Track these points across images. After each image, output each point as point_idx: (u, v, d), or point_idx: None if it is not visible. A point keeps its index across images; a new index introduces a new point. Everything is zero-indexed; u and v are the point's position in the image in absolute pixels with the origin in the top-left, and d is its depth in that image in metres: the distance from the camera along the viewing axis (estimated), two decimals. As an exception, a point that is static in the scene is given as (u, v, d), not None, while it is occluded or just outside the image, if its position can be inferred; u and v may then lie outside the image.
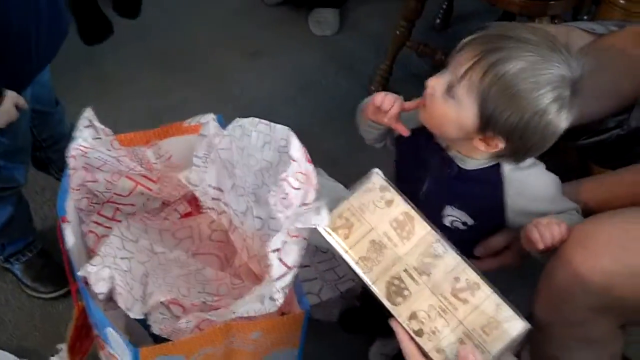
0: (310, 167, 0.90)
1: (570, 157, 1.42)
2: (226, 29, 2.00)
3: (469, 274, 0.78)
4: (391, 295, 0.78)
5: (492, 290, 0.78)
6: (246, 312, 0.84)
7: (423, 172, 0.97)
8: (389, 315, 0.81)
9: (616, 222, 0.86)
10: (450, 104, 0.85)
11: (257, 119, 0.96)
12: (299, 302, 0.90)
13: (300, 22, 2.03)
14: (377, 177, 0.84)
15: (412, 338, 0.77)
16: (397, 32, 1.75)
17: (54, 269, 1.31)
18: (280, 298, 0.83)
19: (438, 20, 2.01)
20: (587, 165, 1.32)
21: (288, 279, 0.83)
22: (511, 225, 0.95)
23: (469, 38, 0.86)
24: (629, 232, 0.84)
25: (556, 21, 1.53)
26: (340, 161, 1.59)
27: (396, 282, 0.79)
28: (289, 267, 0.83)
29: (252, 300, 0.84)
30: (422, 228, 0.81)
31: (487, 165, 0.91)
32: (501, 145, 0.85)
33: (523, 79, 0.81)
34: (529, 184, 0.92)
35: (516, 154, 0.88)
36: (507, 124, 0.82)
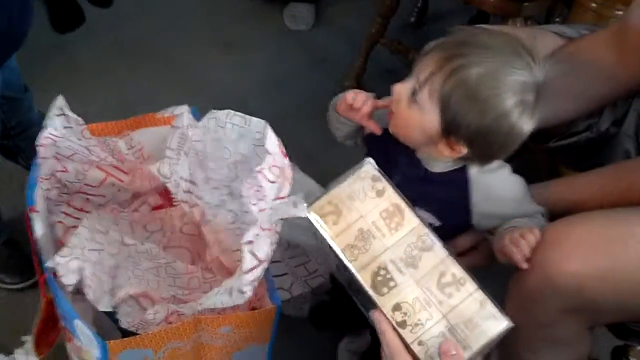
0: (285, 162, 0.89)
1: (539, 159, 1.44)
2: (200, 21, 1.99)
3: (455, 269, 0.79)
4: (376, 285, 0.79)
5: (477, 287, 0.79)
6: (213, 305, 0.83)
7: (391, 171, 0.98)
8: (369, 306, 0.81)
9: (587, 224, 0.88)
10: (413, 109, 0.86)
11: (232, 111, 0.95)
12: (270, 297, 0.90)
13: (275, 16, 2.03)
14: (369, 167, 0.84)
15: (394, 329, 0.77)
16: (372, 29, 1.76)
17: (21, 260, 1.29)
18: (249, 291, 0.82)
19: (413, 18, 2.03)
20: (556, 167, 1.34)
21: (258, 272, 0.83)
22: (477, 227, 0.97)
23: (432, 44, 0.87)
24: (599, 235, 0.85)
25: (529, 22, 1.55)
26: (314, 156, 1.60)
27: (382, 272, 0.79)
28: (260, 260, 0.83)
29: (220, 292, 0.84)
30: (411, 220, 0.82)
31: (453, 168, 0.92)
32: (464, 150, 0.86)
33: (484, 85, 0.82)
34: (495, 187, 0.93)
35: (481, 157, 0.89)
36: (469, 129, 0.83)
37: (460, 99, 0.82)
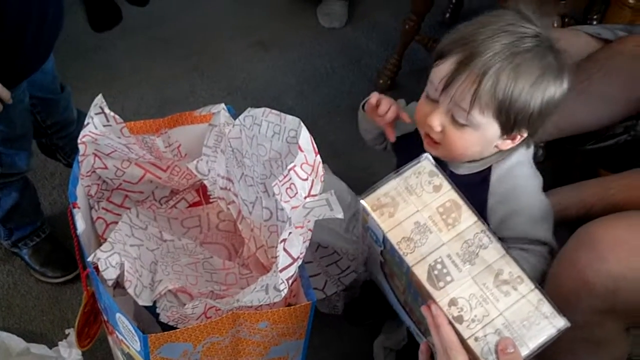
0: (317, 159, 0.90)
1: (576, 162, 1.43)
2: (235, 19, 2.00)
3: (513, 268, 0.79)
4: (432, 278, 0.78)
5: (533, 286, 0.78)
6: (250, 302, 0.85)
7: None
8: (413, 305, 0.81)
9: (622, 224, 0.87)
10: (466, 131, 0.86)
11: (267, 109, 0.96)
12: (305, 293, 0.91)
13: (308, 14, 2.03)
14: (427, 162, 0.84)
15: (450, 324, 0.77)
16: (406, 26, 1.75)
17: (62, 254, 1.32)
18: (284, 289, 0.83)
19: (447, 15, 2.01)
20: (593, 169, 1.32)
21: (292, 269, 0.84)
22: (495, 230, 0.96)
23: (446, 70, 0.85)
24: (635, 235, 0.85)
25: (566, 20, 1.53)
26: (345, 154, 1.60)
27: (439, 266, 0.79)
28: (293, 258, 0.84)
29: (257, 289, 0.85)
30: (468, 217, 0.81)
31: (477, 170, 0.92)
32: (525, 133, 0.88)
33: (523, 72, 0.82)
34: (514, 197, 0.92)
35: (536, 131, 0.90)
36: (533, 115, 0.85)
37: (516, 97, 0.83)
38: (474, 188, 0.92)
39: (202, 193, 1.13)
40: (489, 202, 0.92)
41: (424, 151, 0.95)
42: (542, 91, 0.84)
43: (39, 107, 1.23)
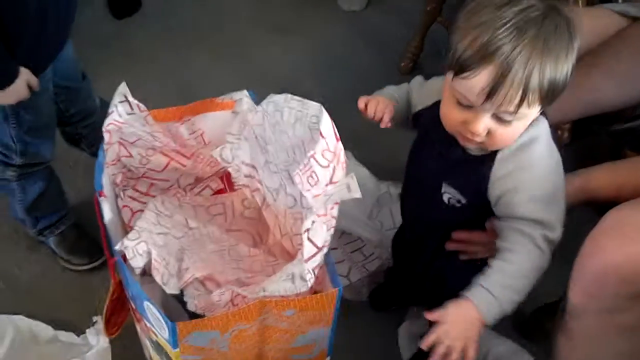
0: (339, 145, 0.89)
1: (603, 142, 1.40)
2: (253, 4, 1.99)
3: None
4: None
5: None
6: (277, 291, 0.84)
7: (427, 149, 0.98)
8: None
9: None
10: (514, 125, 0.84)
11: (289, 95, 0.95)
12: (331, 280, 0.90)
13: (329, -2, 2.02)
14: None
15: None
16: (428, 8, 1.73)
17: (88, 242, 1.33)
18: (310, 278, 0.83)
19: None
20: (620, 150, 1.30)
21: (318, 259, 0.84)
22: (494, 207, 0.93)
23: (483, 82, 0.80)
24: None
25: (591, -2, 1.50)
26: (366, 139, 1.58)
27: None
28: (318, 247, 0.84)
29: (282, 278, 0.85)
30: None
31: (490, 151, 0.90)
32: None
33: (549, 50, 0.79)
34: (521, 172, 0.88)
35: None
36: (565, 85, 0.82)
37: (558, 78, 0.80)
38: (483, 164, 0.90)
39: (226, 180, 1.13)
40: (492, 177, 0.90)
41: (437, 131, 0.93)
42: (571, 59, 0.82)
43: (62, 95, 1.23)
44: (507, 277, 0.85)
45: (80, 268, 1.33)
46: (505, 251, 0.87)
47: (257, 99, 1.02)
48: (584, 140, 1.55)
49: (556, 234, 0.87)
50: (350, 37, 1.92)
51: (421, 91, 1.03)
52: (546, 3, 0.80)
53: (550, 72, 0.79)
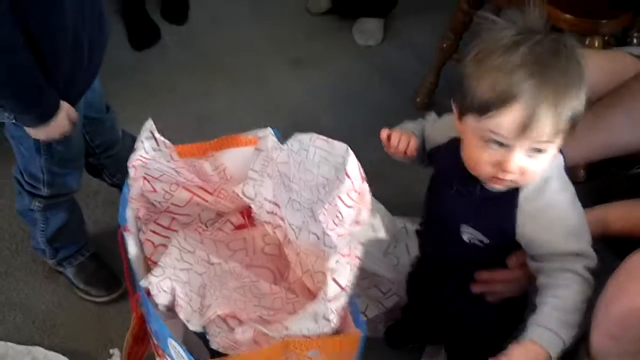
0: (365, 186, 0.90)
1: (620, 185, 1.41)
2: (271, 36, 2.02)
3: None
4: None
5: None
6: (300, 331, 0.85)
7: (444, 187, 0.98)
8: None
9: None
10: (542, 156, 0.85)
11: (315, 135, 0.97)
12: (354, 321, 0.90)
13: (344, 32, 2.04)
14: None
15: None
16: (444, 45, 1.75)
17: (106, 273, 1.34)
18: (334, 319, 0.84)
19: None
20: (638, 193, 1.30)
21: (342, 299, 0.84)
22: (524, 248, 0.94)
23: (515, 120, 0.82)
24: None
25: (607, 39, 1.51)
26: (380, 174, 1.58)
27: None
28: (342, 288, 0.85)
29: (306, 318, 0.85)
30: None
31: (509, 187, 0.91)
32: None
33: (572, 81, 0.82)
34: (544, 211, 0.89)
35: None
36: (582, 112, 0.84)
37: (580, 104, 0.82)
38: (505, 204, 0.91)
39: (247, 215, 1.14)
40: (519, 219, 0.91)
41: (455, 169, 0.94)
42: (585, 85, 0.83)
43: (88, 126, 1.25)
44: (563, 313, 0.86)
45: (97, 299, 1.33)
46: (553, 288, 0.87)
47: (280, 135, 1.03)
48: (599, 179, 1.56)
49: (594, 261, 0.88)
50: (366, 71, 1.94)
51: (434, 128, 1.04)
52: (549, 37, 0.82)
53: (574, 100, 0.81)
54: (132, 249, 0.93)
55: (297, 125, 1.75)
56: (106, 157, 1.36)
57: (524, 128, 0.80)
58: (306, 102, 1.83)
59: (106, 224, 1.46)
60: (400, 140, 1.00)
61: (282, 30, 2.04)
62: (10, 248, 1.42)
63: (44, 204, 1.24)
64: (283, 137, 1.03)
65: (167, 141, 1.00)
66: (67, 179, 1.21)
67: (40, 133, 1.07)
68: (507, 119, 0.81)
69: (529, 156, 0.84)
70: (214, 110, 1.78)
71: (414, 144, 1.00)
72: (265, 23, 2.06)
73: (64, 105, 1.06)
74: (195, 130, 1.69)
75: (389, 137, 1.01)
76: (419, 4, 2.10)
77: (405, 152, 1.01)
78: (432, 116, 1.07)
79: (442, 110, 1.86)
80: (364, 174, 0.89)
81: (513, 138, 0.82)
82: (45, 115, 1.04)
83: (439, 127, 1.03)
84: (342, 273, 0.83)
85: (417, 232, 1.25)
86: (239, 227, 1.13)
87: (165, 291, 0.89)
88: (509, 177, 0.85)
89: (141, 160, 0.99)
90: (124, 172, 1.22)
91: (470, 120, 0.86)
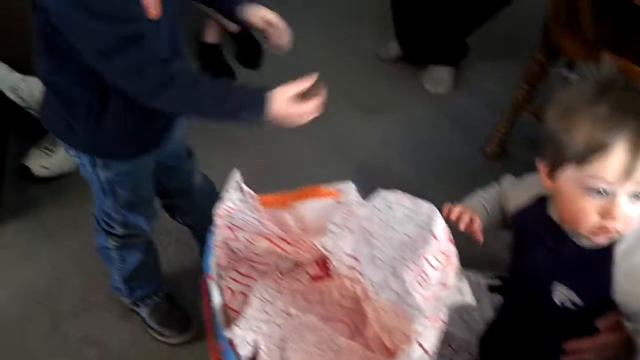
0: (452, 248, 0.90)
1: None
2: (342, 83, 2.03)
3: None
4: None
5: None
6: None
7: (536, 246, 0.96)
8: None
9: None
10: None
11: (401, 193, 0.97)
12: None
13: (414, 79, 2.05)
14: None
15: None
16: (518, 96, 1.74)
17: (180, 314, 1.36)
18: (417, 382, 0.82)
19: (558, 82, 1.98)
20: None
21: (426, 364, 0.83)
22: (621, 307, 0.91)
23: (619, 162, 0.82)
24: None
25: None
26: (450, 224, 1.58)
27: None
28: (426, 352, 0.84)
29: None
30: None
31: (602, 243, 0.89)
32: None
33: None
34: None
35: None
36: None
37: None
38: (600, 261, 0.89)
39: (323, 266, 1.14)
40: (616, 276, 0.88)
41: (544, 228, 0.93)
42: None
43: (164, 173, 1.25)
44: None
45: (170, 341, 1.35)
46: None
47: (359, 189, 1.04)
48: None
49: None
50: (436, 118, 1.94)
51: (515, 190, 1.03)
52: (630, 86, 0.83)
53: None
54: (216, 298, 0.95)
55: (366, 172, 1.77)
56: (181, 200, 1.37)
57: (627, 170, 0.80)
58: (376, 148, 1.84)
59: (179, 264, 1.49)
60: (461, 219, 1.00)
61: (353, 76, 2.06)
62: (90, 285, 1.46)
63: (120, 243, 1.26)
64: (353, 181, 1.04)
65: (252, 192, 1.01)
66: (138, 221, 1.23)
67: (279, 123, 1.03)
68: (609, 163, 0.81)
69: (632, 202, 0.83)
70: (285, 156, 1.80)
71: (477, 225, 1.00)
72: (336, 69, 2.08)
73: (278, 94, 1.02)
74: (270, 178, 1.71)
75: (448, 215, 1.01)
76: (490, 52, 2.11)
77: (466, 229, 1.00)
78: (507, 180, 1.07)
79: (515, 161, 1.85)
80: (451, 236, 0.89)
81: (617, 182, 0.81)
82: (257, 113, 1.01)
83: (522, 188, 1.02)
84: (427, 337, 0.83)
85: (490, 287, 1.23)
86: (315, 278, 1.13)
87: (249, 344, 0.90)
88: (615, 224, 0.84)
89: (227, 211, 1.01)
90: (198, 214, 1.24)
91: (569, 172, 0.86)
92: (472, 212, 1.02)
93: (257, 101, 1.00)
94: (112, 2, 0.90)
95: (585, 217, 0.86)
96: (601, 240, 0.88)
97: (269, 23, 1.14)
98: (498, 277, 1.22)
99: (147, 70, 0.94)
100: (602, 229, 0.85)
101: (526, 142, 1.80)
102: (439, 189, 1.69)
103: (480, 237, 1.00)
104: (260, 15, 1.13)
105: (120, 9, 0.90)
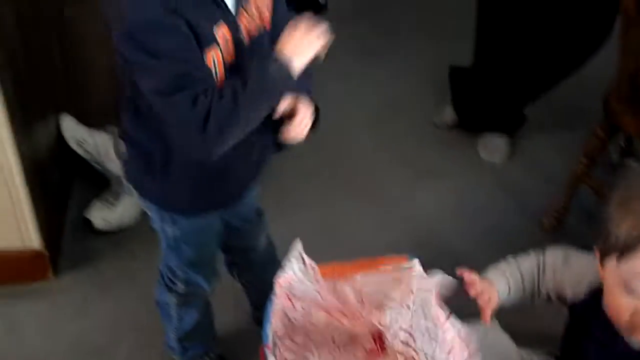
0: None
1: None
2: (396, 148, 2.05)
3: None
4: None
5: None
6: None
7: (589, 339, 0.94)
8: None
9: None
10: None
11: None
12: None
13: (469, 147, 2.05)
14: None
15: None
16: (577, 170, 1.72)
17: (232, 378, 1.36)
18: None
19: (617, 155, 1.95)
20: None
21: None
22: None
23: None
24: None
25: None
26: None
27: None
28: None
29: None
30: None
31: None
32: None
33: None
34: None
35: None
36: None
37: None
38: None
39: (379, 341, 1.13)
40: None
41: (598, 323, 0.90)
42: None
43: (231, 233, 1.26)
44: None
45: (220, 402, 1.34)
46: None
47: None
48: None
49: None
50: (490, 187, 1.93)
51: (567, 270, 1.01)
52: None
53: None
54: (273, 368, 0.95)
55: (418, 239, 1.76)
56: (240, 257, 1.38)
57: None
58: (428, 215, 1.83)
59: (232, 325, 1.50)
60: (478, 293, 0.99)
61: (407, 143, 2.07)
62: (145, 341, 1.47)
63: (180, 301, 1.27)
64: (406, 248, 1.03)
65: (314, 264, 1.03)
66: (198, 279, 1.25)
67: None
68: None
69: None
70: (337, 219, 1.80)
71: (491, 305, 0.99)
72: (390, 135, 2.10)
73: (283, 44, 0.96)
74: (319, 239, 1.71)
75: (467, 284, 1.00)
76: (548, 123, 2.09)
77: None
78: (559, 255, 1.05)
79: (572, 235, 1.81)
80: None
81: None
82: (276, 90, 0.99)
83: (575, 272, 1.00)
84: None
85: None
86: (370, 353, 1.12)
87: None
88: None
89: (288, 280, 1.02)
90: (255, 275, 1.24)
91: (610, 265, 0.84)
92: (492, 291, 1.00)
93: (282, 69, 0.95)
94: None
95: (620, 315, 0.85)
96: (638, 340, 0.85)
97: (292, 114, 1.10)
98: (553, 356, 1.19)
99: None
100: (636, 329, 0.84)
101: (583, 216, 1.77)
102: (491, 260, 1.67)
103: (487, 319, 0.98)
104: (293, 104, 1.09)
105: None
